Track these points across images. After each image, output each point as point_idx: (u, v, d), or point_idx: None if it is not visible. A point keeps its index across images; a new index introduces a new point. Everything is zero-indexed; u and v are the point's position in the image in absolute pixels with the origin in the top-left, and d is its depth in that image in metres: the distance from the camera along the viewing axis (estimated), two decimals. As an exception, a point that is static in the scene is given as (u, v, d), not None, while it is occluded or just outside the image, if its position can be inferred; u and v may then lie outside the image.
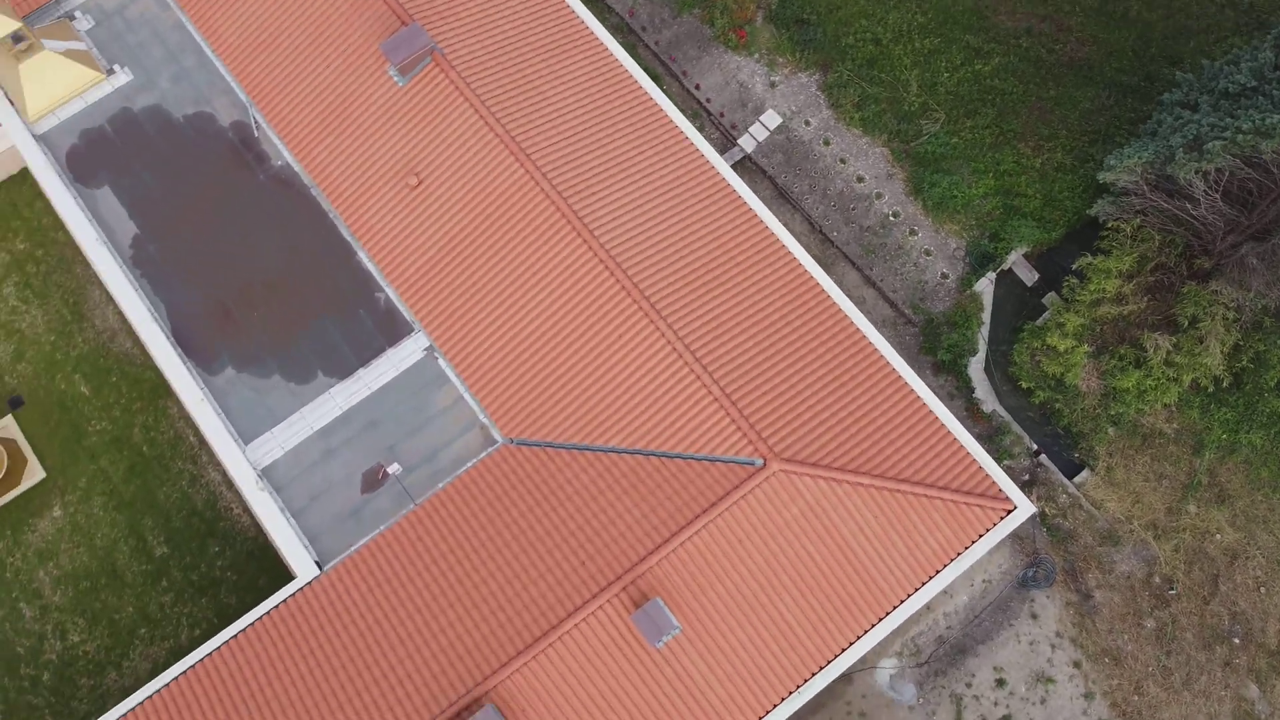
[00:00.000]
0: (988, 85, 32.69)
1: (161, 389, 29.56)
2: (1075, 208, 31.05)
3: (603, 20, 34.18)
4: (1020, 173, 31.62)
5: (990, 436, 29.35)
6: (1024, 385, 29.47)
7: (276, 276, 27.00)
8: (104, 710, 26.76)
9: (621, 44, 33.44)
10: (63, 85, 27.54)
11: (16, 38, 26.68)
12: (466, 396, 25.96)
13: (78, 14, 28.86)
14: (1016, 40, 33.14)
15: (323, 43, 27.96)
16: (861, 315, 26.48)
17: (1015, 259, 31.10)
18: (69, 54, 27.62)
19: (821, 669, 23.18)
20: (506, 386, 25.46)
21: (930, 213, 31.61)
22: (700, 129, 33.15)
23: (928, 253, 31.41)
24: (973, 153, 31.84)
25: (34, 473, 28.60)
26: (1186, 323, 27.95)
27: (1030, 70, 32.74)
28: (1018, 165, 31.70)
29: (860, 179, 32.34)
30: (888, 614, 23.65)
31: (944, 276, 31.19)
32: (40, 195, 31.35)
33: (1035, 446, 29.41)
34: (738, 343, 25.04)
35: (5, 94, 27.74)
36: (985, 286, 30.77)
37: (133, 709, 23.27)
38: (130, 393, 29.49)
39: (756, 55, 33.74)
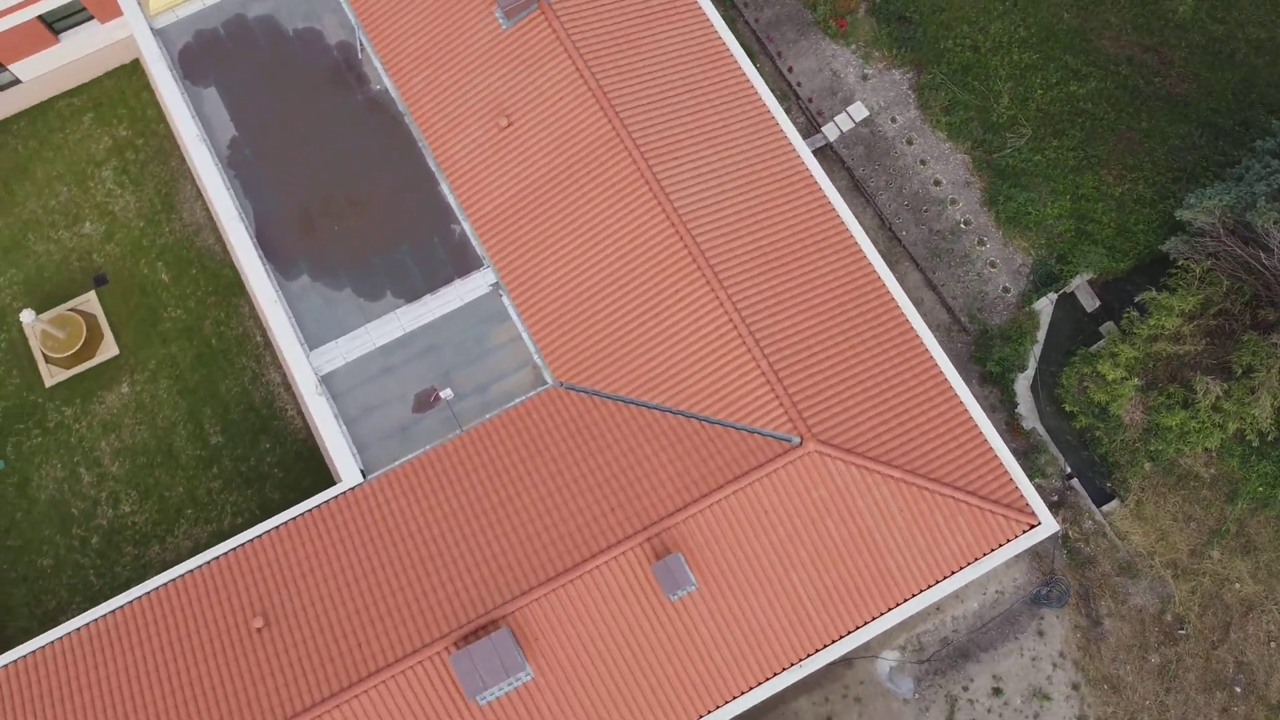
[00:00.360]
0: (1080, 108, 32.68)
1: (236, 287, 30.87)
2: (1148, 241, 31.08)
3: (707, -9, 34.56)
4: (1098, 199, 31.67)
5: (1026, 453, 29.70)
6: (1067, 408, 29.73)
7: (361, 195, 28.03)
8: (144, 579, 28.34)
9: (722, 16, 33.90)
10: (186, -17, 28.68)
11: (149, -68, 27.83)
12: (524, 335, 26.86)
13: (208, -83, 29.96)
14: (1116, 67, 33.04)
15: (435, -24, 28.73)
16: (918, 316, 26.88)
17: (1079, 283, 31.24)
18: (195, -46, 28.71)
19: (825, 647, 23.91)
20: (564, 332, 26.30)
21: (1002, 225, 31.81)
22: (787, 111, 33.55)
23: (993, 264, 31.66)
24: (1054, 172, 31.94)
25: (108, 348, 30.10)
26: (1241, 371, 27.99)
27: (1125, 99, 32.65)
28: (1097, 191, 31.75)
29: (937, 182, 32.60)
30: (897, 605, 24.26)
31: (1005, 290, 31.43)
32: (147, 87, 32.68)
33: (1069, 469, 29.71)
34: (793, 322, 25.62)
35: (131, -15, 28.95)
36: (1045, 306, 30.98)
37: (171, 581, 24.66)
38: (207, 286, 30.84)
39: (853, 46, 34.00)
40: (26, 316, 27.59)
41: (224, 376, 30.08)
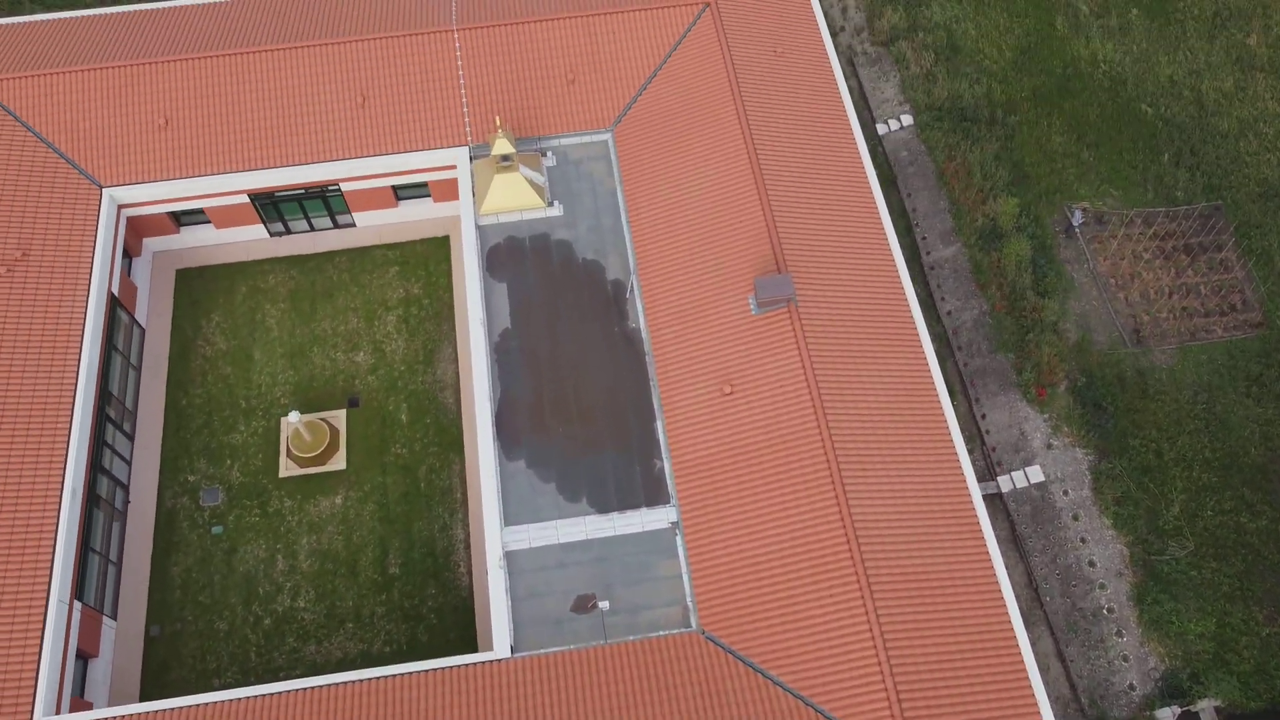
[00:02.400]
0: (1246, 540, 34.36)
1: (457, 445, 35.33)
2: (1283, 690, 31.89)
3: (930, 326, 38.68)
4: (1245, 632, 32.84)
5: None
6: (1164, 824, 30.16)
7: (590, 408, 32.33)
8: (293, 669, 31.69)
9: (936, 352, 37.72)
10: (515, 200, 34.74)
11: (504, 158, 34.19)
12: (685, 576, 29.86)
13: (549, 152, 36.37)
14: (1291, 514, 34.80)
15: (713, 250, 33.70)
16: (1041, 683, 28.37)
17: (1206, 707, 32.10)
18: (531, 181, 34.87)
19: None
20: (721, 585, 29.16)
21: (1143, 625, 33.26)
22: (970, 452, 36.52)
23: (1125, 658, 32.95)
24: (1206, 592, 33.43)
25: (339, 461, 34.79)
26: None
27: (1293, 546, 34.21)
28: (1245, 624, 32.95)
29: (1092, 563, 34.53)
30: None
31: (1131, 688, 32.55)
32: (447, 259, 38.72)
33: None
34: (924, 651, 27.71)
35: (473, 187, 35.23)
36: (1166, 717, 31.86)
37: (324, 686, 27.83)
38: (434, 437, 35.45)
39: (1046, 415, 37.03)
40: (293, 416, 32.60)
41: (419, 518, 34.13)
